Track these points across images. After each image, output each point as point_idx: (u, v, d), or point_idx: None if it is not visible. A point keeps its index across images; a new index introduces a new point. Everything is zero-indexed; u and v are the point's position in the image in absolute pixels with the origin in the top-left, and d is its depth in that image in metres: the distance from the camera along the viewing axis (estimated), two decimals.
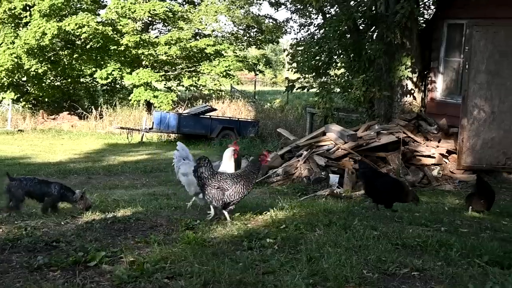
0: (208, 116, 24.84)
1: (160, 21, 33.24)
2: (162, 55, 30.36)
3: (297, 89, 16.55)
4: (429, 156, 13.22)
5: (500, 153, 12.88)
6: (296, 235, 5.85)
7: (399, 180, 9.94)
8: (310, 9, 17.88)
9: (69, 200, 7.36)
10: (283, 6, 19.62)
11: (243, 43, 35.92)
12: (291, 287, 4.20)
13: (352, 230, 6.10)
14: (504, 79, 12.74)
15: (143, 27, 31.84)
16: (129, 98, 30.12)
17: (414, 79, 15.10)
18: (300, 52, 16.42)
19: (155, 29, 35.47)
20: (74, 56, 30.05)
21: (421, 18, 16.71)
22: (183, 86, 33.48)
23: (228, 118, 26.18)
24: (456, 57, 14.73)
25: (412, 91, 15.15)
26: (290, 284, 4.24)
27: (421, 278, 4.70)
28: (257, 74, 38.91)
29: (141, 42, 29.58)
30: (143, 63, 30.98)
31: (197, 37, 33.55)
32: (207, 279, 4.32)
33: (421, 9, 15.67)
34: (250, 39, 36.31)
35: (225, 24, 45.63)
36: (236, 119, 25.93)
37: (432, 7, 16.55)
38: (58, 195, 7.28)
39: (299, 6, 18.51)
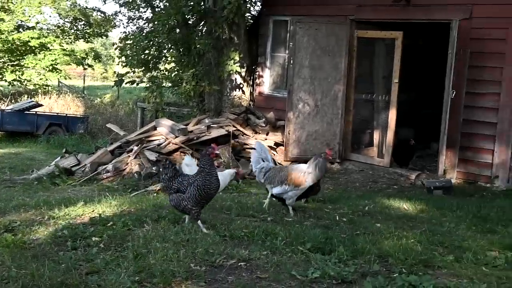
0: (34, 112, 23.67)
1: None
2: None
3: (126, 84, 16.27)
4: None
5: (323, 144, 13.50)
6: (123, 232, 5.72)
7: None
8: (139, 3, 17.60)
9: None
10: None
11: (70, 36, 34.58)
12: (116, 285, 4.09)
13: (180, 224, 6.08)
14: (326, 73, 13.36)
15: None
16: None
17: (243, 74, 15.44)
18: (128, 46, 16.13)
19: None
20: None
21: (249, 14, 17.09)
22: (5, 81, 31.54)
23: (56, 114, 25.08)
24: (281, 53, 15.25)
25: (241, 85, 15.48)
26: (115, 283, 4.13)
27: (247, 268, 4.79)
28: (86, 69, 37.65)
29: None
30: None
31: (20, 30, 31.81)
32: (25, 283, 4.09)
33: (248, 5, 16.00)
34: (78, 32, 35.05)
35: (50, 16, 43.84)
36: (64, 114, 24.92)
37: (259, 3, 16.97)
38: None
39: None
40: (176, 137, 13.02)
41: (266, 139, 13.91)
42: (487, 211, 8.31)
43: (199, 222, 5.92)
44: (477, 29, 11.74)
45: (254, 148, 13.35)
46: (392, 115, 12.92)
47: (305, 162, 12.92)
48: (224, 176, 7.54)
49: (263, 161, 7.56)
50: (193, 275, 4.47)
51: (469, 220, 7.73)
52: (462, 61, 11.71)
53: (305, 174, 7.28)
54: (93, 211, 6.91)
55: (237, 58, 15.12)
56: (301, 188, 7.30)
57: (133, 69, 16.37)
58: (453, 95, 11.71)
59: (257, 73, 15.68)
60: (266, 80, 15.56)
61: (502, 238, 6.52)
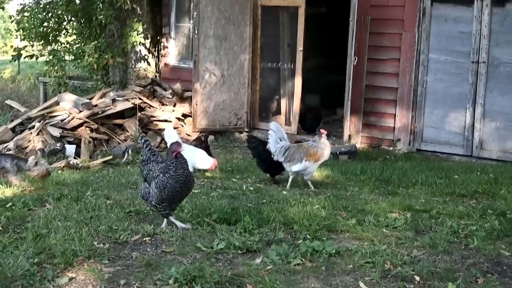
0: None
1: None
2: None
3: (25, 58, 15.66)
4: (165, 121, 13.41)
5: (231, 114, 13.52)
6: (23, 213, 5.53)
7: None
8: None
9: (23, 169, 7.36)
10: None
11: None
12: (14, 269, 3.93)
13: (84, 202, 5.94)
14: (232, 43, 13.31)
15: None
16: None
17: (147, 45, 15.17)
18: (26, 18, 15.45)
19: None
20: None
21: None
22: None
23: None
24: (186, 23, 15.04)
25: (146, 57, 15.21)
26: (13, 266, 3.97)
27: (152, 243, 4.74)
28: None
29: None
30: None
31: None
32: None
33: None
34: None
35: None
36: None
37: None
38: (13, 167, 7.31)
39: None
40: (80, 111, 12.68)
41: (173, 111, 13.77)
42: (389, 174, 8.57)
43: (171, 218, 5.18)
44: None
45: (164, 120, 13.28)
46: (298, 82, 13.05)
47: (214, 132, 13.03)
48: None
49: (281, 141, 7.66)
50: (96, 253, 4.37)
51: (372, 183, 7.96)
52: (363, 28, 11.92)
53: (324, 148, 7.60)
54: None
55: (140, 29, 14.81)
56: (319, 163, 7.67)
57: (31, 43, 15.75)
58: (355, 61, 11.92)
59: (162, 44, 15.44)
60: (172, 51, 15.34)
61: (402, 200, 6.76)
